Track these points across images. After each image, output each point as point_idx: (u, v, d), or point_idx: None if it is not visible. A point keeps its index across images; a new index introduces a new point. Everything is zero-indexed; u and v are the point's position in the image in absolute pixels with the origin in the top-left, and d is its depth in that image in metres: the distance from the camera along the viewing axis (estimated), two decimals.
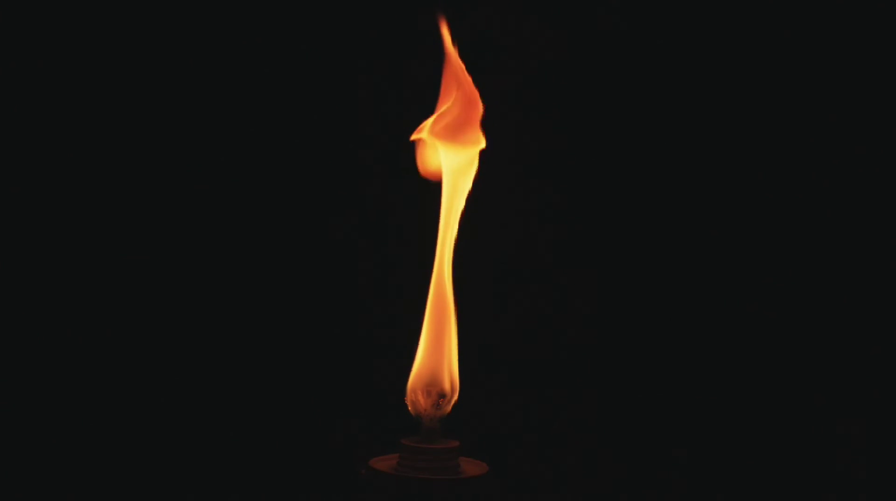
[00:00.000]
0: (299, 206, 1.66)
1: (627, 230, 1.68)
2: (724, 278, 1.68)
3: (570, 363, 1.69)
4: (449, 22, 1.28)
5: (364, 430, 1.62)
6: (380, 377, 1.61)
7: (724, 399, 1.68)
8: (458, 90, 1.26)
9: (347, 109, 1.66)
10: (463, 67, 1.26)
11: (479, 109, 1.25)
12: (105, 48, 1.61)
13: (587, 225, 1.68)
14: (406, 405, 1.22)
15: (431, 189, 1.25)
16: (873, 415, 1.66)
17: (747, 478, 1.66)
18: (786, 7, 1.64)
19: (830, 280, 1.67)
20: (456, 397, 1.23)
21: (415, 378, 1.23)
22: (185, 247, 1.64)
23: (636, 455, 1.67)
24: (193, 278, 1.65)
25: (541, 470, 1.67)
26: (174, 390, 1.64)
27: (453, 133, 1.25)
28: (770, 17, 1.64)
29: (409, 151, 1.27)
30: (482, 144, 1.24)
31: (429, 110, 1.27)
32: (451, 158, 1.24)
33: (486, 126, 1.25)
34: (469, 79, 1.26)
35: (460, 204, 1.24)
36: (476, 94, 1.26)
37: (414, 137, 1.25)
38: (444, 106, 1.26)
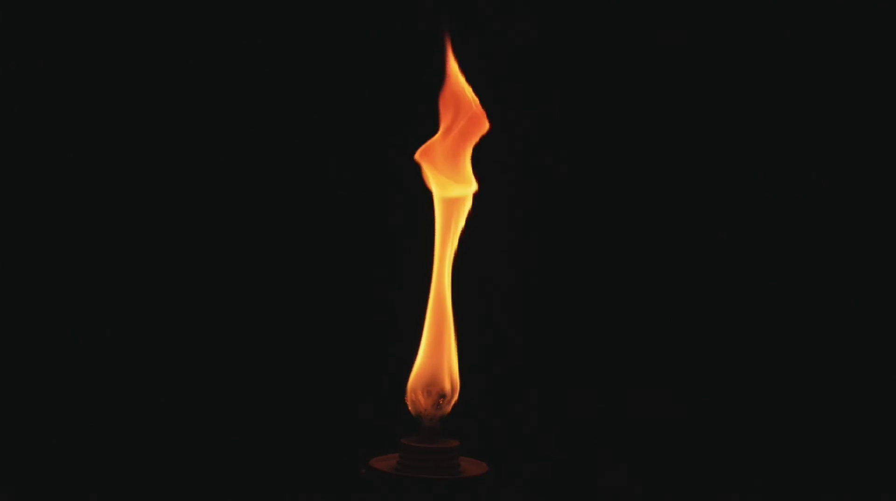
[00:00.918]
0: (299, 206, 1.66)
1: (626, 231, 1.68)
2: (723, 278, 1.68)
3: (570, 363, 1.69)
4: (453, 39, 1.28)
5: (364, 430, 1.62)
6: (380, 377, 1.61)
7: (724, 400, 1.68)
8: (456, 118, 1.26)
9: (348, 110, 1.66)
10: (464, 89, 1.26)
11: (476, 136, 1.25)
12: (111, 51, 1.61)
13: (587, 225, 1.68)
14: (406, 405, 1.22)
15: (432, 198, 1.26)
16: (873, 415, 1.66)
17: (747, 479, 1.66)
18: (785, 7, 1.64)
19: (829, 280, 1.67)
20: (456, 397, 1.23)
21: (415, 378, 1.23)
22: (186, 248, 1.64)
23: (636, 455, 1.67)
24: (195, 280, 1.65)
25: (541, 470, 1.67)
26: (174, 391, 1.64)
27: (446, 167, 1.25)
28: (769, 18, 1.64)
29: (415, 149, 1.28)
30: (474, 186, 1.25)
31: (437, 114, 1.27)
32: (444, 190, 1.25)
33: (481, 164, 1.25)
34: (469, 101, 1.26)
35: (460, 218, 1.25)
36: (475, 118, 1.26)
37: (417, 158, 1.26)
38: (441, 131, 1.26)
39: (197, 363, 1.65)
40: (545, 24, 1.65)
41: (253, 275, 1.66)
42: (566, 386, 1.68)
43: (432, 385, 1.22)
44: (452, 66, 1.28)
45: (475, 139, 1.26)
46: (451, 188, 1.24)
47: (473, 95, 1.27)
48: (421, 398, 1.21)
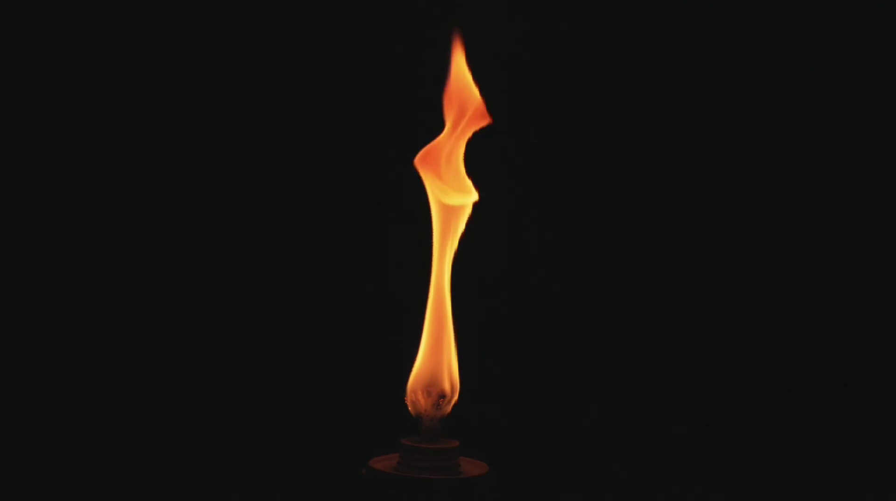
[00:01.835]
0: (299, 208, 1.66)
1: (625, 231, 1.68)
2: (721, 279, 1.68)
3: (570, 363, 1.69)
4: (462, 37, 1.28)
5: (364, 430, 1.62)
6: (380, 378, 1.61)
7: (725, 401, 1.68)
8: (460, 116, 1.26)
9: (349, 112, 1.66)
10: (469, 85, 1.26)
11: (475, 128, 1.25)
12: (111, 52, 1.61)
13: (586, 226, 1.68)
14: (406, 406, 1.22)
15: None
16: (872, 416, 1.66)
17: (747, 480, 1.66)
18: (784, 7, 1.64)
19: (828, 280, 1.67)
20: (456, 397, 1.23)
21: (415, 379, 1.23)
22: (188, 251, 1.64)
23: (636, 455, 1.67)
24: (196, 281, 1.65)
25: (541, 470, 1.67)
26: (175, 391, 1.64)
27: (448, 175, 1.25)
28: (768, 17, 1.65)
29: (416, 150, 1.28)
30: (474, 196, 1.24)
31: (437, 114, 1.27)
32: (444, 198, 1.25)
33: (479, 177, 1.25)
34: (473, 98, 1.26)
35: (460, 222, 1.25)
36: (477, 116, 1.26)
37: (416, 164, 1.26)
38: (446, 130, 1.26)
39: (197, 363, 1.65)
40: (545, 26, 1.65)
41: (254, 276, 1.66)
42: (567, 386, 1.68)
43: (432, 386, 1.22)
44: (458, 63, 1.27)
45: (474, 130, 1.26)
46: (452, 197, 1.24)
47: (477, 92, 1.27)
48: (421, 398, 1.21)
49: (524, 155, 1.67)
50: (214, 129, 1.64)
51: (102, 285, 1.63)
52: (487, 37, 1.60)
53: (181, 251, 1.64)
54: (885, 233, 1.66)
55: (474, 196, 1.24)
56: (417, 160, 1.25)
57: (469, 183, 1.25)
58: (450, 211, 1.24)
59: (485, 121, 1.26)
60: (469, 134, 1.26)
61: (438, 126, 1.28)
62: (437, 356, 1.23)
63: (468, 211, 1.24)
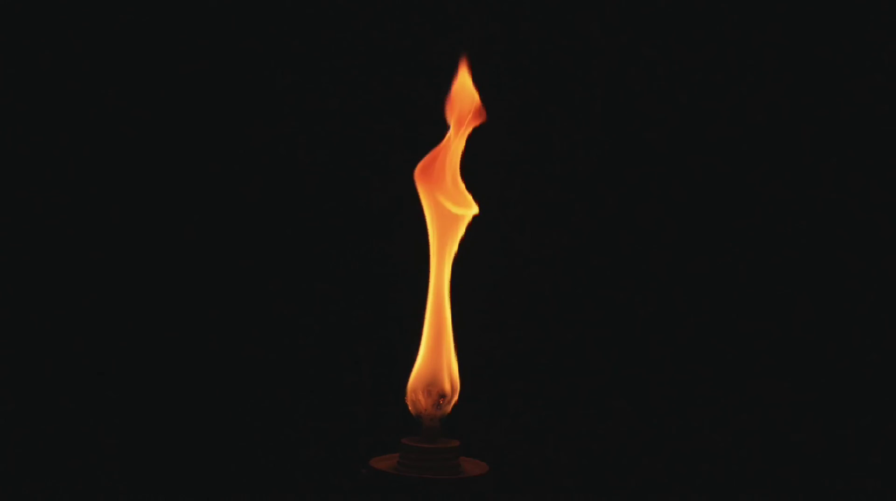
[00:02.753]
0: (300, 209, 1.66)
1: (625, 231, 1.68)
2: (720, 281, 1.68)
3: (570, 364, 1.69)
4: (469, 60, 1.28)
5: (364, 430, 1.62)
6: (380, 378, 1.61)
7: (725, 400, 1.68)
8: (460, 122, 1.26)
9: (350, 113, 1.66)
10: (468, 90, 1.26)
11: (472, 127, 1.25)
12: (112, 53, 1.61)
13: (585, 226, 1.68)
14: (406, 405, 1.22)
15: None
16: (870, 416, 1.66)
17: (746, 479, 1.67)
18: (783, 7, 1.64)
19: (825, 281, 1.67)
20: (456, 397, 1.23)
21: (415, 378, 1.23)
22: (189, 253, 1.65)
23: (636, 455, 1.67)
24: (198, 282, 1.65)
25: (541, 470, 1.67)
26: (175, 391, 1.64)
27: (449, 187, 1.25)
28: (767, 18, 1.65)
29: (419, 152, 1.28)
30: (474, 209, 1.25)
31: (436, 115, 1.27)
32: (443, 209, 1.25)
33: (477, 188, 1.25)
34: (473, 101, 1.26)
35: (460, 227, 1.25)
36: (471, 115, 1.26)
37: (416, 177, 1.26)
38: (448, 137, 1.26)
39: (198, 364, 1.65)
40: (542, 30, 1.65)
41: (255, 277, 1.66)
42: (567, 386, 1.68)
43: (432, 385, 1.22)
44: (461, 72, 1.28)
45: (470, 130, 1.26)
46: (453, 208, 1.24)
47: (476, 94, 1.27)
48: (421, 398, 1.21)
49: (523, 156, 1.67)
50: (215, 130, 1.64)
51: (102, 286, 1.63)
52: (488, 47, 1.61)
53: (182, 252, 1.64)
54: (885, 233, 1.66)
55: (474, 209, 1.24)
56: (417, 173, 1.25)
57: (469, 197, 1.25)
58: (449, 218, 1.24)
59: (480, 120, 1.26)
60: (466, 135, 1.26)
61: (438, 127, 1.28)
62: (437, 356, 1.23)
63: (468, 220, 1.25)
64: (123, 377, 1.63)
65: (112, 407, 1.63)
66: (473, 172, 1.27)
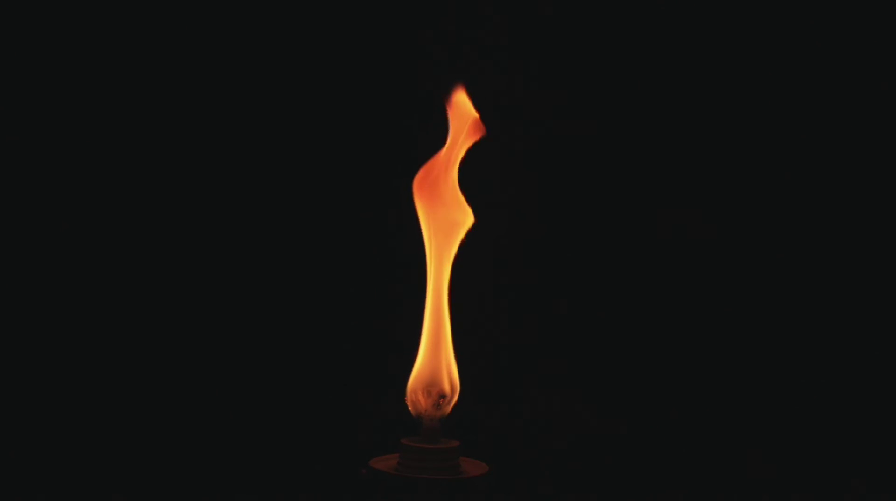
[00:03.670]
0: (300, 209, 1.66)
1: (624, 232, 1.68)
2: (719, 280, 1.68)
3: (569, 363, 1.69)
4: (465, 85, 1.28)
5: (364, 430, 1.62)
6: (380, 378, 1.61)
7: (724, 400, 1.68)
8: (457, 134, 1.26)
9: (352, 114, 1.66)
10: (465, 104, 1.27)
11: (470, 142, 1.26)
12: (111, 53, 1.61)
13: (585, 226, 1.68)
14: (406, 406, 1.22)
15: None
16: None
17: (746, 480, 1.67)
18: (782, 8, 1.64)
19: (824, 282, 1.67)
20: (456, 397, 1.23)
21: (415, 379, 1.23)
22: (191, 255, 1.65)
23: (636, 455, 1.67)
24: (199, 284, 1.65)
25: (541, 470, 1.67)
26: (175, 391, 1.64)
27: (447, 196, 1.25)
28: (766, 19, 1.65)
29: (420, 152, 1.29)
30: (471, 219, 1.25)
31: (436, 116, 1.28)
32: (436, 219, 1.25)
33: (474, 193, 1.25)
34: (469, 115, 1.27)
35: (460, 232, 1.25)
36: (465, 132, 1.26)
37: (414, 189, 1.26)
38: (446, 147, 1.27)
39: (198, 364, 1.65)
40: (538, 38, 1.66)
41: (256, 278, 1.66)
42: (566, 386, 1.68)
43: (432, 386, 1.22)
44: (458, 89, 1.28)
45: (469, 145, 1.26)
46: (451, 217, 1.25)
47: (472, 107, 1.27)
48: (421, 398, 1.21)
49: (521, 155, 1.67)
50: (216, 133, 1.64)
51: (102, 286, 1.63)
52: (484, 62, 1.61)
53: (183, 253, 1.65)
54: (885, 233, 1.66)
55: (471, 220, 1.25)
56: (416, 184, 1.25)
57: (467, 207, 1.25)
58: (448, 227, 1.25)
59: (479, 134, 1.26)
60: (464, 150, 1.26)
61: (438, 128, 1.28)
62: (436, 357, 1.23)
63: (467, 228, 1.25)
64: (123, 378, 1.63)
65: (111, 408, 1.63)
66: (473, 171, 1.28)
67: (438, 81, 1.29)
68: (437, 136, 1.28)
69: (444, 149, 1.27)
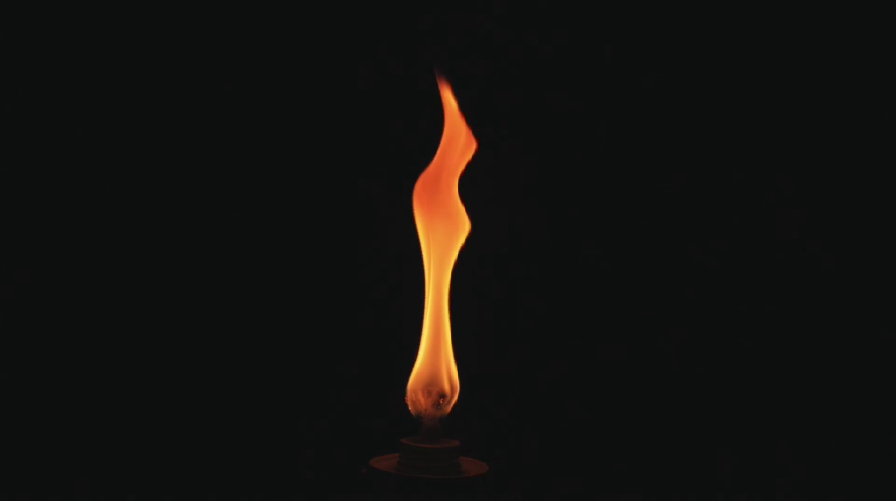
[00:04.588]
0: (300, 210, 1.66)
1: (622, 231, 1.68)
2: (718, 281, 1.68)
3: (569, 363, 1.69)
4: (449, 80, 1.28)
5: (364, 430, 1.62)
6: (380, 378, 1.61)
7: (725, 401, 1.68)
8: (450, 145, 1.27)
9: (349, 117, 1.66)
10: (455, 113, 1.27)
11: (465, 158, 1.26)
12: (111, 53, 1.62)
13: (583, 226, 1.68)
14: (406, 405, 1.22)
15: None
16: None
17: (746, 480, 1.67)
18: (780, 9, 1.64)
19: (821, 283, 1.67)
20: (456, 397, 1.23)
21: (415, 379, 1.23)
22: (191, 253, 1.65)
23: (636, 455, 1.67)
24: (199, 284, 1.65)
25: (541, 470, 1.67)
26: (175, 392, 1.64)
27: (446, 204, 1.26)
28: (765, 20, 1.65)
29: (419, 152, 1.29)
30: (467, 229, 1.25)
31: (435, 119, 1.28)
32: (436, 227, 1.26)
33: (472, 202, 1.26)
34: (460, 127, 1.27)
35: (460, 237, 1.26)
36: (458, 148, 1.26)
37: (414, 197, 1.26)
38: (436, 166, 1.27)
39: (198, 364, 1.65)
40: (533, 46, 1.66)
41: (256, 279, 1.66)
42: (566, 386, 1.68)
43: (432, 386, 1.22)
44: (446, 94, 1.28)
45: (465, 162, 1.27)
46: (449, 226, 1.25)
47: (461, 119, 1.27)
48: (421, 398, 1.21)
49: (520, 154, 1.67)
50: (217, 134, 1.64)
51: (101, 287, 1.63)
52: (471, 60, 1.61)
53: (183, 254, 1.65)
54: (884, 233, 1.66)
55: (467, 229, 1.25)
56: (416, 195, 1.26)
57: (466, 218, 1.25)
58: (449, 235, 1.25)
59: (472, 149, 1.27)
60: (462, 167, 1.27)
61: (437, 128, 1.28)
62: (436, 357, 1.23)
63: (465, 235, 1.25)
64: (122, 378, 1.63)
65: (111, 408, 1.63)
66: (473, 171, 1.28)
67: (435, 71, 1.29)
68: (436, 134, 1.28)
69: (439, 154, 1.27)
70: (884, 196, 1.66)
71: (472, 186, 1.28)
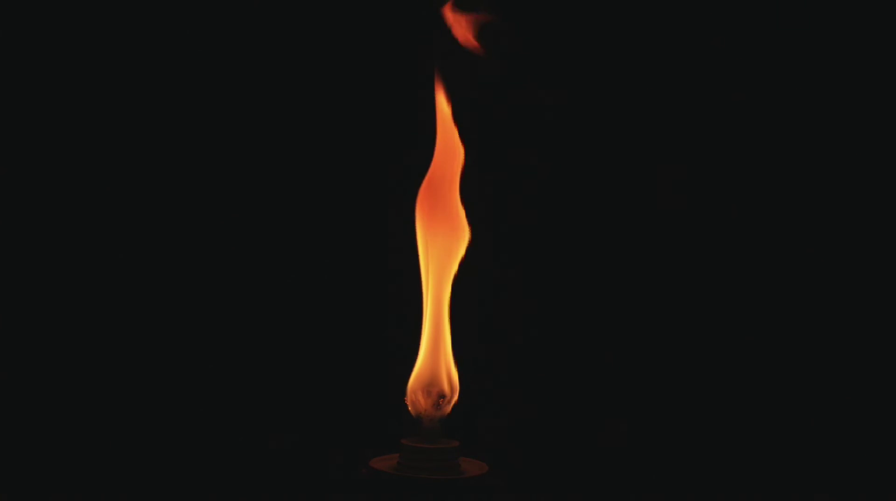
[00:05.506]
0: (300, 210, 1.66)
1: (620, 235, 1.68)
2: (716, 282, 1.68)
3: (569, 363, 1.69)
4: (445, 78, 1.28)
5: (364, 430, 1.62)
6: (380, 378, 1.61)
7: (722, 400, 1.68)
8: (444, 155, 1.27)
9: (349, 118, 1.66)
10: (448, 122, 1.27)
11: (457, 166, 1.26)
12: (111, 53, 1.62)
13: (582, 226, 1.68)
14: (406, 406, 1.22)
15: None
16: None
17: (746, 480, 1.67)
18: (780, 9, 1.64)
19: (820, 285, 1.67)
20: (456, 397, 1.23)
21: (415, 379, 1.23)
22: (191, 253, 1.65)
23: (636, 455, 1.67)
24: (200, 284, 1.65)
25: (541, 470, 1.67)
26: (176, 392, 1.64)
27: (447, 212, 1.26)
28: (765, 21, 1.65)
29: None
30: (466, 238, 1.25)
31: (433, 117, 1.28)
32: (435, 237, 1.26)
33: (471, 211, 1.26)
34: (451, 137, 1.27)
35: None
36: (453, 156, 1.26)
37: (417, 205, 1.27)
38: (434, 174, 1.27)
39: (198, 365, 1.65)
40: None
41: (256, 279, 1.66)
42: (566, 386, 1.68)
43: (432, 386, 1.22)
44: (440, 101, 1.28)
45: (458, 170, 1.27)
46: (450, 235, 1.25)
47: (453, 128, 1.27)
48: (421, 398, 1.22)
49: (519, 153, 1.67)
50: (217, 134, 1.64)
51: (101, 287, 1.63)
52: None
53: (184, 254, 1.65)
54: (884, 233, 1.66)
55: (466, 238, 1.25)
56: (419, 199, 1.26)
57: (466, 228, 1.25)
58: (449, 242, 1.25)
59: (462, 154, 1.27)
60: (458, 175, 1.27)
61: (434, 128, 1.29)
62: (436, 357, 1.24)
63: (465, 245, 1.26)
64: (122, 379, 1.63)
65: (111, 409, 1.63)
66: (472, 171, 1.28)
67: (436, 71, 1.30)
68: (433, 132, 1.28)
69: (436, 162, 1.27)
70: (884, 197, 1.66)
71: (473, 183, 1.28)
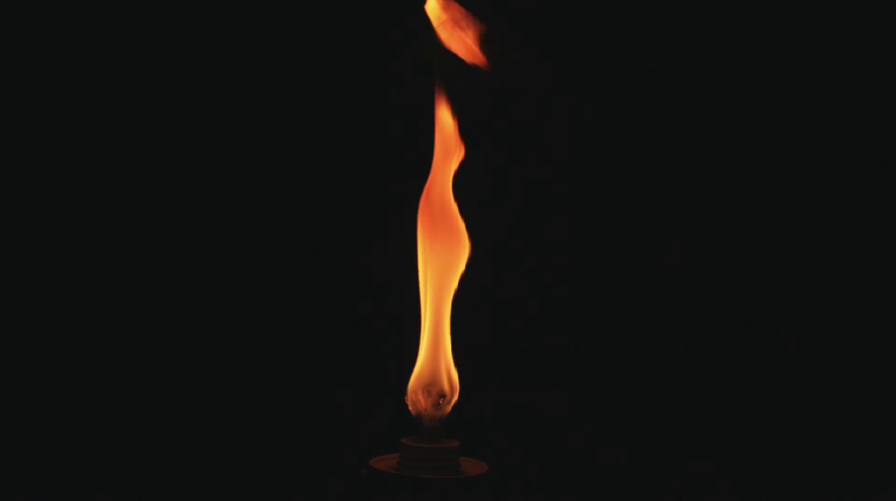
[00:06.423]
0: (300, 210, 1.66)
1: (620, 236, 1.68)
2: (715, 282, 1.68)
3: (569, 363, 1.69)
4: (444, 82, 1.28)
5: (364, 430, 1.62)
6: (380, 378, 1.61)
7: (721, 400, 1.68)
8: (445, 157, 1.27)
9: (349, 119, 1.66)
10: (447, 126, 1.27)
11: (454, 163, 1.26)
12: (111, 52, 1.62)
13: (582, 227, 1.68)
14: (406, 405, 1.22)
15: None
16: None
17: (745, 480, 1.67)
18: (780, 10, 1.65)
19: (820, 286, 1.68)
20: (456, 397, 1.23)
21: (415, 379, 1.23)
22: (191, 253, 1.65)
23: (636, 455, 1.67)
24: (200, 284, 1.65)
25: (541, 470, 1.67)
26: (176, 392, 1.64)
27: (446, 223, 1.26)
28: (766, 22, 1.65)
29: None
30: (467, 251, 1.25)
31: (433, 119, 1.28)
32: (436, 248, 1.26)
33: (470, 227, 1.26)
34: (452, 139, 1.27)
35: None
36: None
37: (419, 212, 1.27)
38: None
39: (198, 364, 1.65)
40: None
41: (256, 279, 1.66)
42: (566, 386, 1.69)
43: (432, 386, 1.22)
44: (440, 104, 1.28)
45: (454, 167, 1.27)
46: (446, 240, 1.26)
47: (454, 129, 1.27)
48: (421, 398, 1.22)
49: (519, 153, 1.67)
50: (216, 134, 1.64)
51: (101, 287, 1.63)
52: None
53: (184, 254, 1.65)
54: (883, 233, 1.66)
55: (466, 251, 1.25)
56: (421, 213, 1.26)
57: (466, 239, 1.26)
58: (451, 248, 1.26)
59: (461, 152, 1.27)
60: (453, 171, 1.27)
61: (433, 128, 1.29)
62: (436, 357, 1.24)
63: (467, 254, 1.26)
64: (122, 379, 1.64)
65: (110, 409, 1.63)
66: (472, 170, 1.28)
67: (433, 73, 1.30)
68: (432, 133, 1.29)
69: (436, 168, 1.27)
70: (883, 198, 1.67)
71: (473, 182, 1.28)
